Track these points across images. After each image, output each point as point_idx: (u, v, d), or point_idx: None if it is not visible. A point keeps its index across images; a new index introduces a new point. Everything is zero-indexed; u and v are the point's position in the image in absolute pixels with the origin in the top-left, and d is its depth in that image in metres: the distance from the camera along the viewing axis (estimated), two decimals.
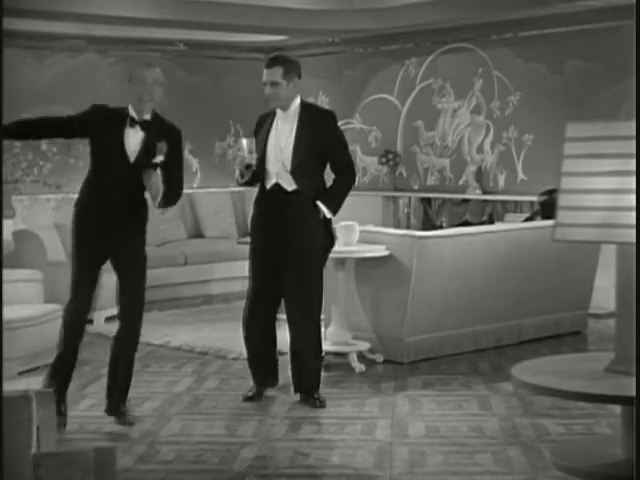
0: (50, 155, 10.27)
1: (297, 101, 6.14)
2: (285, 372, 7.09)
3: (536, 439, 5.41)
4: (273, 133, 6.15)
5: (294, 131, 6.11)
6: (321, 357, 6.38)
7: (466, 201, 10.76)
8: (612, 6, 9.31)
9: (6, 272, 7.36)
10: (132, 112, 5.64)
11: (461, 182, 10.84)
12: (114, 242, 5.64)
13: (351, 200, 12.25)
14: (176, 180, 5.69)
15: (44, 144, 10.29)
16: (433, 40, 11.01)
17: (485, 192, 10.59)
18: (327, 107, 11.98)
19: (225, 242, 11.11)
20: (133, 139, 5.60)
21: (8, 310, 6.84)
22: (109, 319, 9.06)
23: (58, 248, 9.30)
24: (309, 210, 6.13)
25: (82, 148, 10.91)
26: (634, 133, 4.50)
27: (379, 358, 7.29)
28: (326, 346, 7.06)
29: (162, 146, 5.60)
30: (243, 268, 10.89)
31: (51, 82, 10.94)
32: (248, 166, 6.05)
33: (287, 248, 6.22)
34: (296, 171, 6.08)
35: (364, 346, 7.24)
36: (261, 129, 6.23)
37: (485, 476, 4.84)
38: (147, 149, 5.59)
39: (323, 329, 7.35)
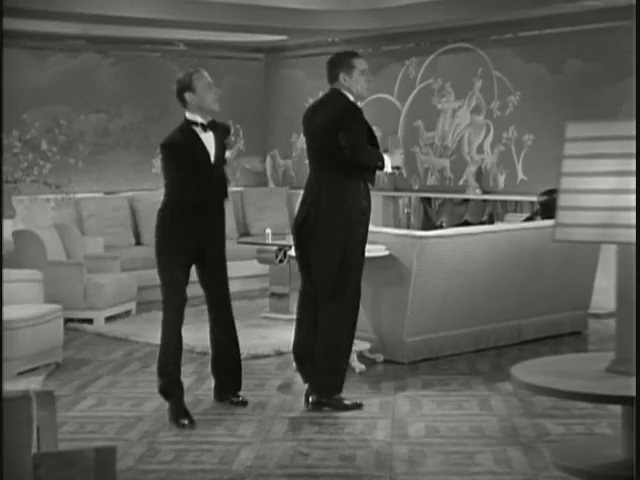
0: (50, 155, 10.28)
1: None
2: (285, 372, 7.10)
3: (536, 439, 5.41)
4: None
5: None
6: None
7: (466, 201, 10.76)
8: (612, 6, 9.32)
9: (6, 272, 7.37)
10: (199, 119, 5.88)
11: (461, 182, 10.84)
12: (207, 239, 5.95)
13: None
14: None
15: (44, 144, 10.31)
16: (433, 40, 11.02)
17: (485, 192, 10.59)
18: None
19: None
20: (208, 143, 5.87)
21: (8, 310, 6.84)
22: (109, 319, 9.07)
23: (58, 248, 9.30)
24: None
25: (82, 148, 10.97)
26: (634, 133, 4.50)
27: (379, 358, 7.29)
28: None
29: (229, 141, 6.01)
30: (243, 268, 10.96)
31: (51, 82, 10.95)
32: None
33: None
34: None
35: (364, 346, 7.24)
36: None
37: (485, 476, 4.85)
38: (220, 147, 5.93)
39: None
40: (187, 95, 5.85)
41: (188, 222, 5.83)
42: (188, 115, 5.89)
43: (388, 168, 6.13)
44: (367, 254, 7.08)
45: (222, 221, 6.02)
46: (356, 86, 6.08)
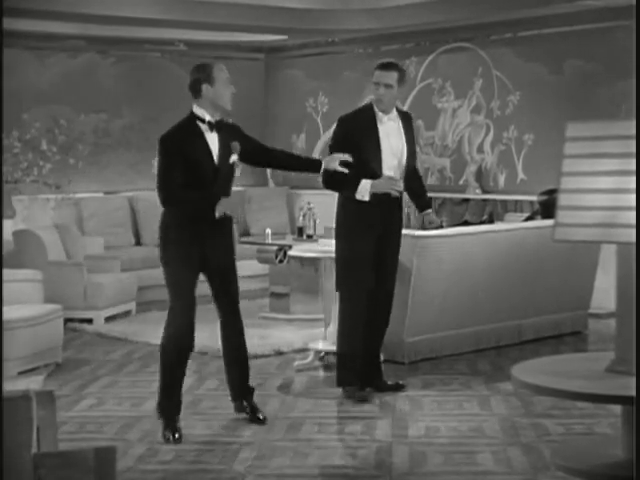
0: (50, 155, 10.28)
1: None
2: (285, 372, 7.09)
3: (536, 439, 5.41)
4: (382, 136, 6.16)
5: (403, 135, 6.23)
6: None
7: (466, 201, 10.76)
8: (612, 6, 9.31)
9: (6, 272, 7.36)
10: (207, 116, 5.51)
11: (461, 182, 10.84)
12: (216, 242, 5.63)
13: None
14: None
15: (44, 144, 10.30)
16: (433, 40, 11.01)
17: (485, 192, 10.59)
18: (327, 107, 12.01)
19: None
20: (212, 143, 5.49)
21: (8, 310, 6.84)
22: (109, 319, 9.07)
23: (58, 248, 9.30)
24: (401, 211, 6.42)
25: (82, 148, 10.96)
26: (634, 133, 4.50)
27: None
28: (326, 346, 7.07)
29: (234, 145, 5.54)
30: (243, 268, 10.91)
31: (51, 82, 10.94)
32: (400, 193, 6.26)
33: (392, 250, 6.35)
34: (406, 174, 6.28)
35: None
36: (357, 133, 6.15)
37: (485, 476, 4.84)
38: (226, 150, 5.53)
39: (323, 329, 7.37)
40: (204, 87, 5.41)
41: (189, 237, 5.50)
42: (196, 109, 5.47)
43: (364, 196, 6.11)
44: None
45: (226, 232, 5.67)
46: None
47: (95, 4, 9.46)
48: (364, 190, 6.07)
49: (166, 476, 4.91)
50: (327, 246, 7.06)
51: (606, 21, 9.51)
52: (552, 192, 8.08)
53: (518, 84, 10.34)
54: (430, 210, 6.60)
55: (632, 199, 4.45)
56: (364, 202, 6.10)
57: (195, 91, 5.48)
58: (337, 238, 6.31)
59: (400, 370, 7.07)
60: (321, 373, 6.98)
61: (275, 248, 9.35)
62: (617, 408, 5.15)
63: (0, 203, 8.67)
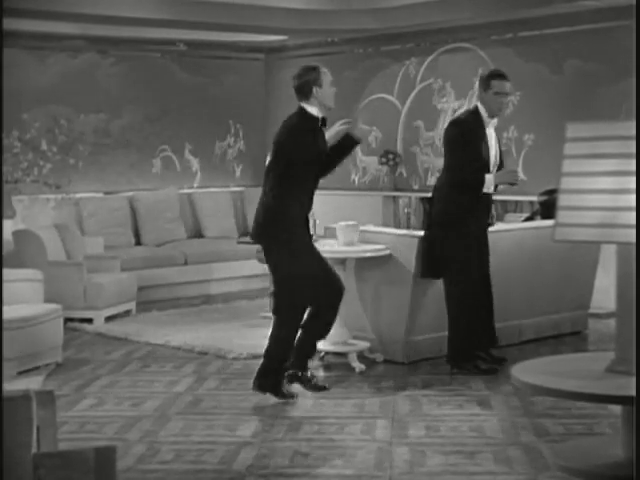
0: (50, 155, 10.28)
1: None
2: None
3: (536, 439, 5.41)
4: (490, 141, 6.91)
5: (495, 139, 6.98)
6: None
7: None
8: (612, 6, 9.32)
9: (6, 272, 7.36)
10: (320, 113, 6.13)
11: None
12: None
13: (351, 200, 12.29)
14: None
15: (44, 144, 10.31)
16: (433, 40, 11.01)
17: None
18: None
19: (225, 242, 11.11)
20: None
21: (8, 310, 6.84)
22: (109, 319, 9.07)
23: (58, 248, 9.30)
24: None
25: (82, 148, 10.96)
26: (634, 133, 4.50)
27: (379, 358, 7.29)
28: (326, 346, 7.07)
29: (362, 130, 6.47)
30: (243, 268, 10.96)
31: (51, 82, 10.94)
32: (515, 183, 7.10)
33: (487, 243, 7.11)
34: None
35: (364, 346, 7.24)
36: (475, 138, 6.82)
37: (485, 476, 4.84)
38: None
39: None
40: (315, 89, 5.98)
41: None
42: (309, 108, 6.02)
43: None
44: (367, 254, 7.11)
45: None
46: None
47: (95, 4, 9.46)
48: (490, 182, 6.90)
49: (166, 476, 4.91)
50: (327, 246, 7.06)
51: (606, 21, 9.51)
52: (552, 192, 8.09)
53: (518, 84, 10.33)
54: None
55: (632, 199, 4.45)
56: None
57: (305, 92, 6.05)
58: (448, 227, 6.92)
59: (400, 370, 7.08)
60: (321, 373, 6.97)
61: None
62: (617, 408, 5.15)
63: (0, 203, 8.67)
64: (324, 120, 6.05)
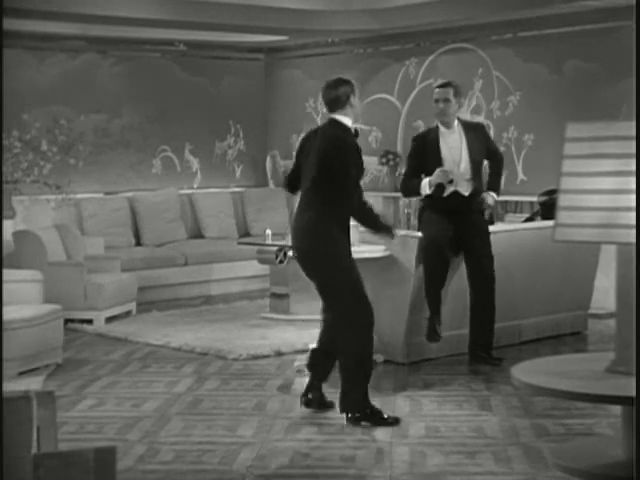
0: (50, 155, 10.28)
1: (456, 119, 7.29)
2: (285, 372, 7.09)
3: (536, 439, 5.41)
4: (444, 148, 7.20)
5: (465, 144, 7.19)
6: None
7: None
8: (612, 6, 9.32)
9: (6, 272, 7.36)
10: (354, 125, 6.19)
11: None
12: None
13: None
14: None
15: (44, 144, 10.30)
16: (433, 40, 11.02)
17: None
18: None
19: (225, 242, 11.11)
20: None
21: (8, 310, 6.84)
22: (109, 319, 9.08)
23: (58, 248, 9.30)
24: (480, 210, 7.33)
25: (82, 148, 10.96)
26: (634, 133, 4.50)
27: (379, 358, 7.28)
28: None
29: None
30: (243, 268, 10.96)
31: (51, 82, 10.95)
32: (451, 181, 7.05)
33: (470, 248, 7.19)
34: (475, 178, 7.17)
35: None
36: (425, 147, 7.26)
37: (485, 476, 4.84)
38: None
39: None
40: (352, 99, 6.04)
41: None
42: (344, 119, 5.98)
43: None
44: (367, 254, 7.11)
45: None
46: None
47: (95, 4, 9.46)
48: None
49: (166, 476, 4.91)
50: None
51: (606, 21, 9.51)
52: (552, 193, 8.09)
53: (518, 84, 10.34)
54: (492, 193, 7.31)
55: (632, 199, 4.44)
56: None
57: (342, 102, 6.04)
58: None
59: (400, 370, 7.08)
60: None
61: (275, 249, 9.33)
62: (617, 408, 5.15)
63: (0, 203, 8.67)
64: (357, 132, 6.07)
